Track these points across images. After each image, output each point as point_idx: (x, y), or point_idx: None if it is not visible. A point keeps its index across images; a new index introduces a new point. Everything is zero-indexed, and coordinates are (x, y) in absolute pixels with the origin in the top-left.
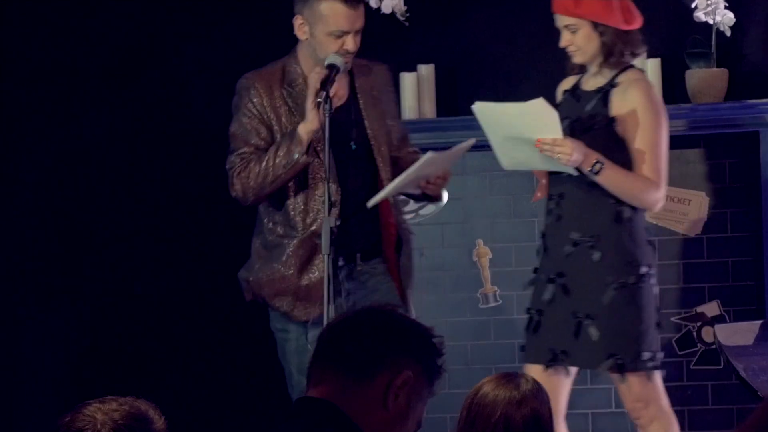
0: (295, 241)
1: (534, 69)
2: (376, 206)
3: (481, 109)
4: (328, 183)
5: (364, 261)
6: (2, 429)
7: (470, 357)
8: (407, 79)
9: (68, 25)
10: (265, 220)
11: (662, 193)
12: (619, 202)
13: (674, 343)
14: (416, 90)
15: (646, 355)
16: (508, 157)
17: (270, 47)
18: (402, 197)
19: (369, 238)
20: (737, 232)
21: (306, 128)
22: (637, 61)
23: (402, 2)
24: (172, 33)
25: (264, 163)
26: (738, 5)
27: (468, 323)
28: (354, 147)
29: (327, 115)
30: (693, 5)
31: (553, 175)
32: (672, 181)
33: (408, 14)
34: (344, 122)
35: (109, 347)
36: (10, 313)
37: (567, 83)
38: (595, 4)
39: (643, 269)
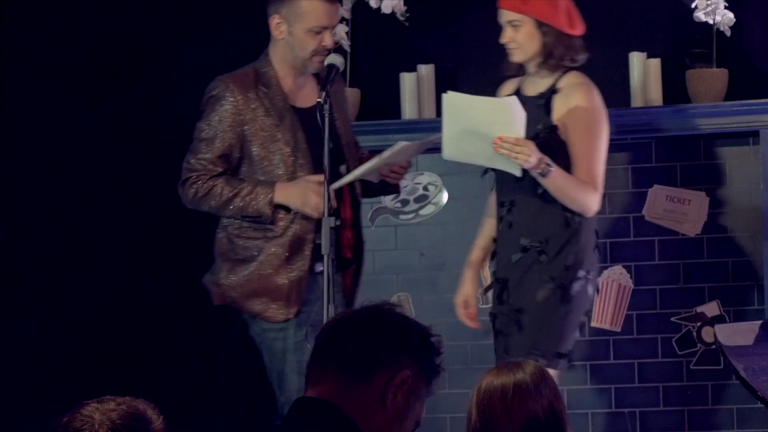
0: (273, 241)
1: None
2: (340, 210)
3: (450, 99)
4: (328, 183)
5: (339, 269)
6: (2, 429)
7: (470, 357)
8: (407, 79)
9: (68, 25)
10: (228, 223)
11: (598, 198)
12: (568, 208)
13: (674, 343)
14: (416, 90)
15: (563, 354)
16: (456, 148)
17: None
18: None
19: (341, 239)
20: (737, 232)
21: (286, 199)
22: (638, 61)
23: (402, 2)
24: (172, 33)
25: (226, 199)
26: (738, 5)
27: None
28: (332, 145)
29: (327, 116)
30: (693, 5)
31: (505, 183)
32: (672, 181)
33: (408, 14)
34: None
35: (108, 347)
36: (10, 313)
37: (508, 87)
38: (542, 3)
39: (581, 272)
